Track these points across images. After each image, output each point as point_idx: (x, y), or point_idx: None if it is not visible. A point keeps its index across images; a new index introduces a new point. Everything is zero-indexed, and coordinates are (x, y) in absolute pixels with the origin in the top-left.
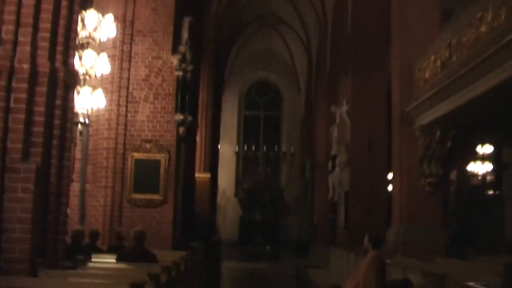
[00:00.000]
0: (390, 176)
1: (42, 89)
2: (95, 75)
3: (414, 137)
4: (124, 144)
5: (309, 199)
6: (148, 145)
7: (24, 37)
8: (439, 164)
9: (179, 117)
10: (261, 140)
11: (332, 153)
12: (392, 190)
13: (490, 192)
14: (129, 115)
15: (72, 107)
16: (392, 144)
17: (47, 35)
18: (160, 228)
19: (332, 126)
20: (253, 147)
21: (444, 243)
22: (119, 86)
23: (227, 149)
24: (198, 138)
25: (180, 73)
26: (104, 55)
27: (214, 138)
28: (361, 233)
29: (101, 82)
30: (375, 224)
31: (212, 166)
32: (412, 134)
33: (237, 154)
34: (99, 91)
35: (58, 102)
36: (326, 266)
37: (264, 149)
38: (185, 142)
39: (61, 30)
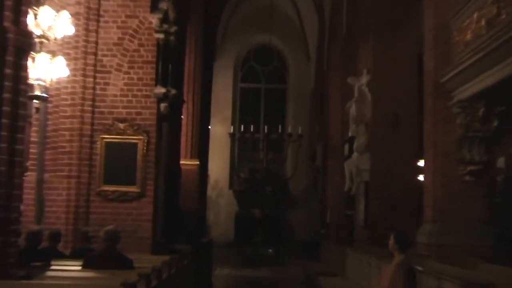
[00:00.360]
0: (421, 162)
1: None
2: (55, 38)
3: (451, 115)
4: (92, 124)
5: (320, 192)
6: (121, 125)
7: None
8: (482, 149)
9: (160, 90)
10: (261, 119)
11: (349, 134)
12: (424, 179)
13: None
14: (97, 88)
15: (26, 77)
16: (424, 123)
17: None
18: (137, 227)
19: (349, 101)
20: (252, 127)
21: (488, 245)
22: (85, 52)
23: (219, 131)
24: (184, 117)
25: (161, 35)
26: (65, 13)
27: (204, 117)
28: (385, 233)
29: (62, 47)
30: (402, 221)
31: (202, 151)
32: (449, 111)
33: (232, 136)
34: (60, 58)
35: (7, 71)
36: (341, 273)
37: (265, 130)
38: (168, 121)
39: None
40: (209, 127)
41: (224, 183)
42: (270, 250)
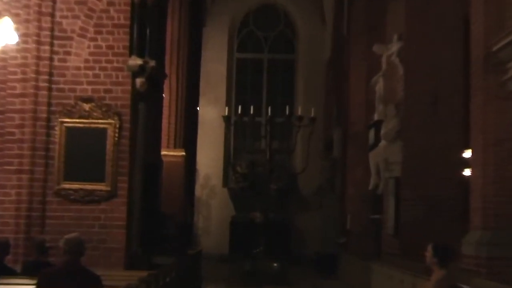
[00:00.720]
0: (467, 153)
1: None
2: None
3: (506, 93)
4: (49, 104)
5: (338, 191)
6: (87, 106)
7: None
8: None
9: (136, 61)
10: (263, 99)
11: (375, 117)
12: (471, 175)
13: None
14: (55, 58)
15: None
16: (471, 103)
17: None
18: (106, 236)
19: (375, 76)
20: (252, 109)
21: None
22: (38, 12)
23: (211, 113)
24: (166, 96)
25: None
26: None
27: (191, 96)
28: (421, 243)
29: (10, 6)
30: (443, 228)
31: (188, 139)
32: (503, 88)
33: (227, 120)
34: (6, 21)
35: None
36: None
37: (269, 112)
38: (146, 101)
39: None
40: (198, 108)
41: (217, 179)
42: (275, 265)
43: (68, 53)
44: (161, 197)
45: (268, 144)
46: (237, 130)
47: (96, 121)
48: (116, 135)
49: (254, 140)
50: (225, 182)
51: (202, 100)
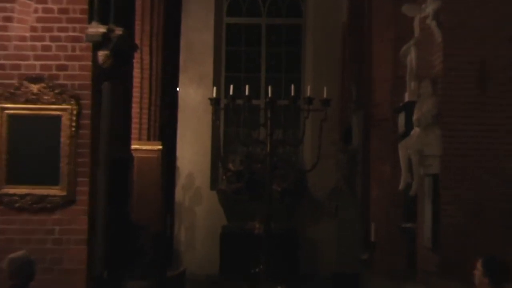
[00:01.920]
0: None
1: None
2: None
3: None
4: None
5: (359, 192)
6: (35, 88)
7: None
8: None
9: (97, 30)
10: (262, 76)
11: (406, 98)
12: None
13: None
14: None
15: None
16: None
17: None
18: (62, 254)
19: (405, 44)
20: (247, 89)
21: None
22: None
23: (195, 95)
24: (137, 74)
25: None
26: None
27: (169, 74)
28: (467, 258)
29: None
30: (494, 239)
31: (166, 128)
32: None
33: (215, 103)
34: None
35: None
36: None
37: (269, 93)
38: (111, 81)
39: None
40: (178, 89)
41: (203, 179)
42: None
43: (9, 19)
44: (132, 204)
45: (269, 134)
46: (229, 116)
47: (47, 106)
48: (73, 124)
49: (251, 129)
50: (214, 183)
51: (183, 79)
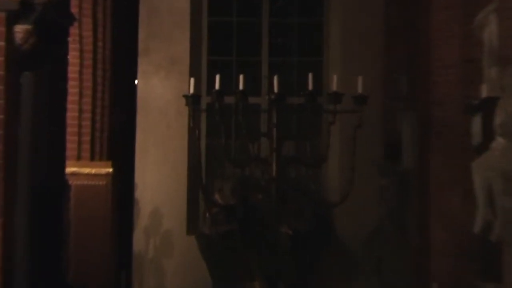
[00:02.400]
0: None
1: None
2: None
3: None
4: None
5: (412, 236)
6: None
7: None
8: None
9: None
10: (263, 62)
11: (483, 93)
12: None
13: None
14: None
15: None
16: None
17: None
18: None
19: (480, 12)
20: (241, 81)
21: None
22: None
23: (161, 90)
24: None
25: None
26: None
27: (122, 58)
28: None
29: None
30: None
31: (119, 142)
32: None
33: (193, 103)
34: None
35: None
36: None
37: (274, 86)
38: (36, 70)
39: None
40: (136, 81)
41: (175, 218)
42: None
43: None
44: (69, 255)
45: (275, 149)
46: (213, 122)
47: None
48: None
49: (247, 142)
50: (192, 223)
51: (144, 65)
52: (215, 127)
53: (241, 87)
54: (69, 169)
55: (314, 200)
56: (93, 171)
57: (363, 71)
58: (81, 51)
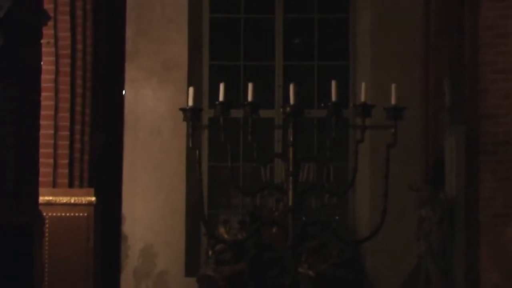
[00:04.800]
0: None
1: None
2: None
3: None
4: None
5: (461, 281)
6: None
7: None
8: None
9: None
10: (277, 67)
11: None
12: None
13: None
14: None
15: None
16: None
17: None
18: None
19: None
20: (249, 91)
21: None
22: None
23: (154, 102)
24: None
25: None
26: None
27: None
28: None
29: None
30: None
31: (103, 167)
32: None
33: (192, 118)
34: None
35: None
36: None
37: (290, 96)
38: (1, 80)
39: None
40: (123, 92)
41: (172, 258)
42: None
43: None
44: None
45: (291, 173)
46: (217, 141)
47: None
48: None
49: (258, 164)
50: (192, 264)
51: (132, 72)
52: (219, 147)
53: (250, 98)
54: (43, 198)
55: (339, 235)
56: (72, 200)
57: (398, 78)
58: (57, 55)
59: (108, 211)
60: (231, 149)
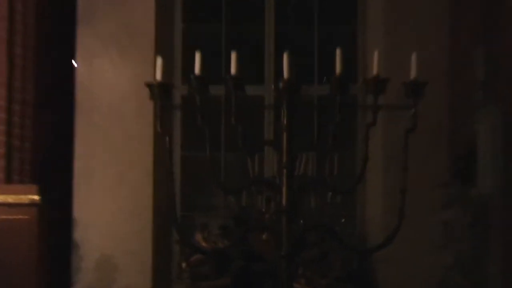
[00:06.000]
0: None
1: None
2: None
3: None
4: None
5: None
6: None
7: None
8: None
9: None
10: (267, 32)
11: None
12: None
13: None
14: None
15: None
16: None
17: None
18: None
19: None
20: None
21: None
22: None
23: (113, 76)
24: None
25: None
26: None
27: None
28: None
29: None
30: None
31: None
32: None
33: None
34: None
35: None
36: None
37: (284, 69)
38: None
39: None
40: (75, 64)
41: (136, 270)
42: None
43: None
44: None
45: (286, 165)
46: (192, 125)
47: None
48: None
49: (244, 155)
50: (161, 278)
51: (85, 39)
52: (195, 133)
53: (233, 70)
54: None
55: (344, 242)
56: (10, 199)
57: (419, 46)
58: None
59: (56, 213)
60: (210, 135)
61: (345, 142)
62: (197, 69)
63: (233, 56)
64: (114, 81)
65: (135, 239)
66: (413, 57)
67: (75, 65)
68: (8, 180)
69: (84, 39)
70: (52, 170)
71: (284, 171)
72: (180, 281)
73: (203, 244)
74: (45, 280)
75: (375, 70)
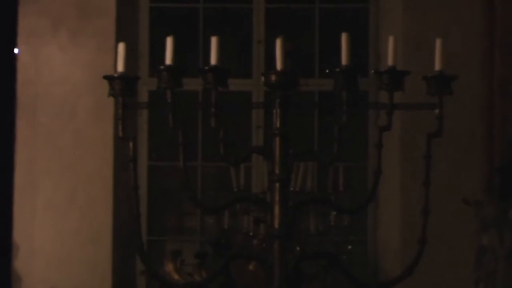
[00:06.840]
0: None
1: None
2: None
3: None
4: None
5: None
6: None
7: None
8: None
9: None
10: (255, 12)
11: None
12: None
13: None
14: None
15: None
16: None
17: None
18: None
19: None
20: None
21: None
22: None
23: (63, 66)
24: None
25: None
26: None
27: None
28: None
29: None
30: None
31: None
32: None
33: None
34: None
35: None
36: None
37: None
38: None
39: None
40: (16, 52)
41: None
42: None
43: None
44: None
45: (278, 177)
46: (162, 127)
47: None
48: None
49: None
50: None
51: (28, 19)
52: (165, 138)
53: (213, 60)
54: None
55: (352, 274)
56: None
57: (446, 31)
58: None
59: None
60: (184, 141)
61: (353, 150)
62: (168, 58)
63: (214, 42)
64: (64, 72)
65: (90, 270)
66: (438, 44)
67: (16, 51)
68: None
69: (27, 19)
70: None
71: (277, 185)
72: None
73: (175, 276)
74: None
75: (390, 61)
